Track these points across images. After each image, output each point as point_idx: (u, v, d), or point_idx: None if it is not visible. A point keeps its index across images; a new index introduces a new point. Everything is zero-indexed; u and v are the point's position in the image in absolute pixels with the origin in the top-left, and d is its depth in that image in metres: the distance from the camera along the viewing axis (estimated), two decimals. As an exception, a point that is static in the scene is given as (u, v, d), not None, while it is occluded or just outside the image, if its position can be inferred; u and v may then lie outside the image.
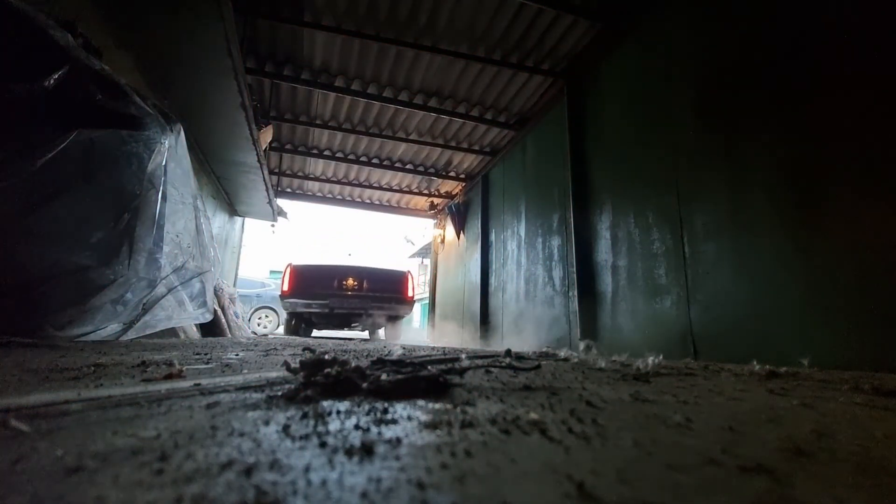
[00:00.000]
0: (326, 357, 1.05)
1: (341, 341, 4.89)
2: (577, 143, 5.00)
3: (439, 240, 10.56)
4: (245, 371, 1.37)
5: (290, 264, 6.73)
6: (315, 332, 8.44)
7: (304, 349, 1.59)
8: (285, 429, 0.64)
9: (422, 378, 0.97)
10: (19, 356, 1.62)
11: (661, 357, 1.86)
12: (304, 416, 0.73)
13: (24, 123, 1.98)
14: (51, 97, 2.03)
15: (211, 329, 4.91)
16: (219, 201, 7.78)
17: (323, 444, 0.57)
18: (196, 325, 4.40)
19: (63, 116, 2.08)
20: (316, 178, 9.14)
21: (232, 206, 8.76)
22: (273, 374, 1.14)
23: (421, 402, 0.87)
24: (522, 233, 6.32)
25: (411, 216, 11.09)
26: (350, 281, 6.74)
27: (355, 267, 7.05)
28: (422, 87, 5.97)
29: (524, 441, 0.63)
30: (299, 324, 7.27)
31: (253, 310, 10.70)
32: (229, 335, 5.38)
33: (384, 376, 0.96)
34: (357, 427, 0.66)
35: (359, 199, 10.24)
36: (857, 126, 2.31)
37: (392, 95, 6.12)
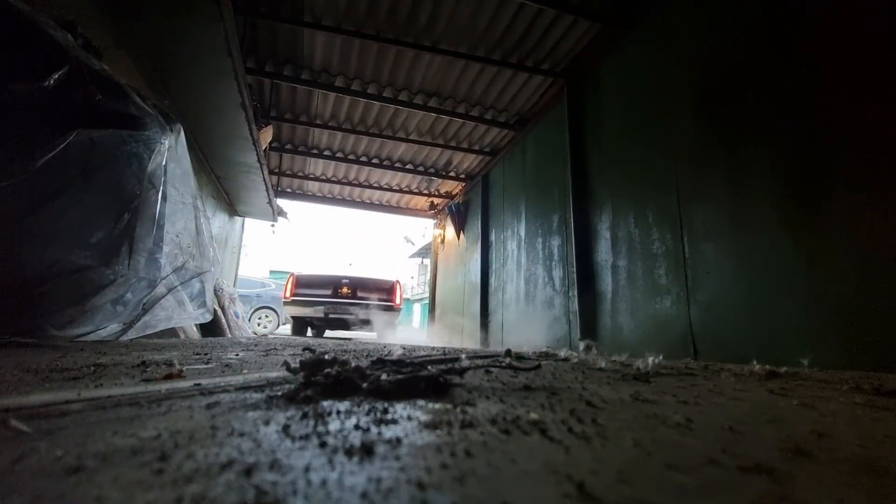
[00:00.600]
0: (326, 357, 1.05)
1: (341, 341, 4.92)
2: (577, 143, 5.00)
3: (439, 240, 10.56)
4: (245, 371, 1.37)
5: (292, 273, 7.68)
6: (328, 333, 9.12)
7: (304, 349, 1.59)
8: (285, 429, 0.64)
9: (422, 378, 0.97)
10: (19, 356, 1.62)
11: (661, 357, 1.86)
12: (304, 416, 0.73)
13: (24, 123, 1.98)
14: (51, 97, 2.03)
15: (211, 329, 4.92)
16: (219, 201, 7.78)
17: (323, 444, 0.57)
18: (196, 325, 4.40)
19: (63, 116, 2.08)
20: (316, 178, 9.14)
21: (232, 206, 8.76)
22: (273, 374, 1.14)
23: (421, 402, 0.87)
24: (522, 233, 6.32)
25: (411, 216, 11.09)
26: (345, 289, 7.61)
27: (349, 276, 7.90)
28: (422, 87, 5.97)
29: (524, 441, 0.63)
30: (303, 327, 8.12)
31: (253, 310, 10.70)
32: (229, 335, 5.38)
33: (384, 376, 0.96)
34: (357, 427, 0.66)
35: (359, 199, 10.24)
36: (859, 126, 2.31)
37: (392, 95, 6.11)
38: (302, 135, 7.61)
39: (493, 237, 7.50)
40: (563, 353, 2.47)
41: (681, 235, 3.39)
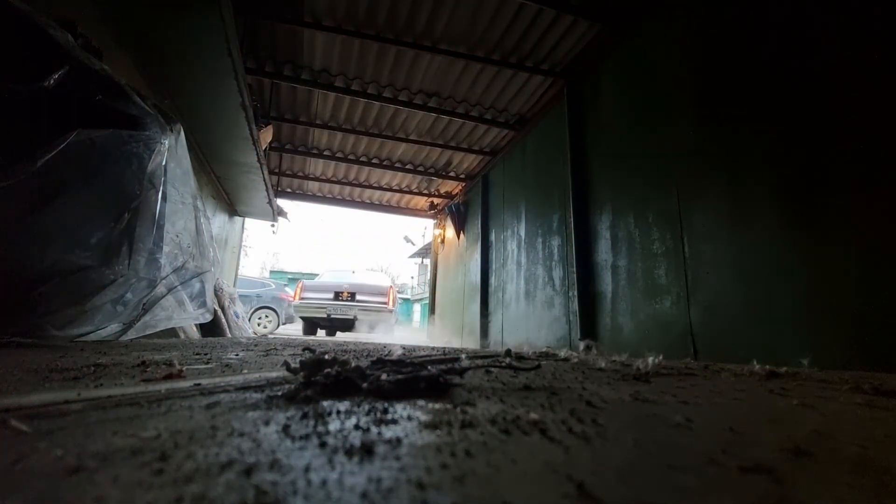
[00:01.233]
0: (326, 357, 1.05)
1: (341, 342, 4.93)
2: (577, 143, 5.00)
3: (439, 240, 10.57)
4: (245, 371, 1.37)
5: (301, 281, 9.41)
6: (322, 333, 10.04)
7: (304, 349, 1.59)
8: (285, 429, 0.64)
9: (422, 378, 0.97)
10: (19, 356, 1.62)
11: (661, 357, 1.85)
12: (304, 416, 0.73)
13: (24, 123, 1.98)
14: (51, 97, 2.03)
15: (211, 329, 4.91)
16: (219, 201, 7.78)
17: (323, 444, 0.57)
18: (196, 325, 4.40)
19: (63, 116, 2.08)
20: (316, 178, 9.14)
21: (232, 206, 8.76)
22: (273, 374, 1.14)
23: (421, 402, 0.87)
24: (522, 233, 6.32)
25: (411, 216, 11.10)
26: (345, 293, 8.92)
27: (349, 282, 9.32)
28: (422, 88, 5.97)
29: (524, 441, 0.63)
30: (312, 327, 9.50)
31: (253, 310, 10.70)
32: (229, 335, 5.38)
33: (384, 376, 0.96)
34: (357, 427, 0.66)
35: (359, 199, 10.24)
36: (858, 126, 2.31)
37: (392, 96, 6.11)
38: (302, 135, 7.61)
39: (493, 237, 7.50)
40: (563, 353, 2.47)
41: (681, 235, 3.39)
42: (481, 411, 0.81)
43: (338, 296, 8.77)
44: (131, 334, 2.77)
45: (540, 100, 5.98)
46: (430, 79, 5.78)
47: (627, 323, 3.93)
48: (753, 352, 2.30)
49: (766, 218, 2.74)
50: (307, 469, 0.47)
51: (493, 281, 7.31)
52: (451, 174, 8.70)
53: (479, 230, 7.83)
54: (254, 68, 5.52)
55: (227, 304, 5.76)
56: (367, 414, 0.76)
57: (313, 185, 9.61)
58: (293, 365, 1.03)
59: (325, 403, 0.83)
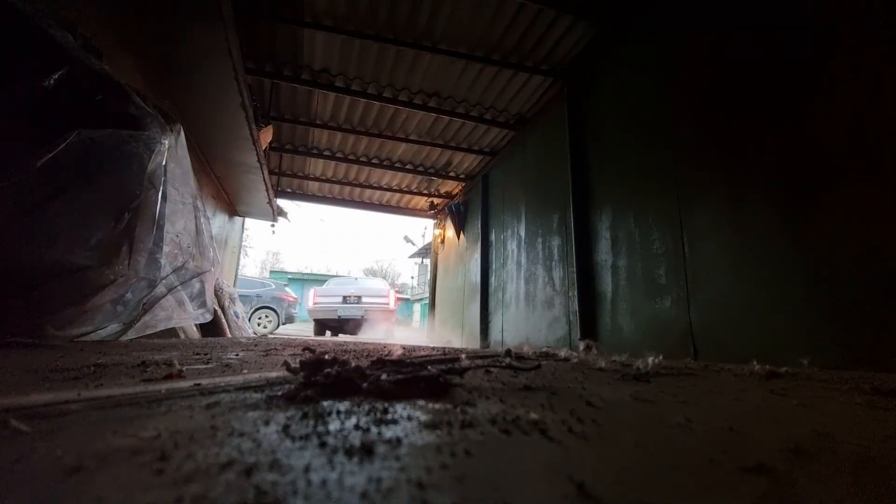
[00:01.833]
0: (326, 357, 1.05)
1: (341, 342, 4.93)
2: (576, 144, 5.00)
3: (439, 240, 10.57)
4: (245, 371, 1.37)
5: (314, 289, 11.07)
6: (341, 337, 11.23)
7: (304, 349, 1.59)
8: (285, 429, 0.64)
9: (422, 378, 0.97)
10: (19, 356, 1.62)
11: (661, 357, 1.86)
12: (304, 416, 0.73)
13: (24, 123, 1.98)
14: (51, 97, 2.03)
15: (211, 329, 4.91)
16: (219, 201, 7.78)
17: (323, 445, 0.57)
18: (196, 325, 4.40)
19: (63, 116, 2.08)
20: (316, 179, 9.14)
21: (232, 206, 8.76)
22: (273, 374, 1.14)
23: (421, 403, 0.87)
24: (522, 233, 6.32)
25: (411, 216, 11.10)
26: (352, 297, 10.61)
27: (355, 286, 11.21)
28: (421, 88, 5.97)
29: (524, 441, 0.63)
30: (323, 328, 11.01)
31: (253, 310, 10.71)
32: (229, 335, 5.38)
33: (384, 376, 0.96)
34: (357, 427, 0.66)
35: (359, 199, 10.23)
36: (858, 125, 2.31)
37: (392, 96, 6.11)
38: (302, 135, 7.60)
39: (493, 237, 7.50)
40: (563, 353, 2.47)
41: (681, 235, 3.39)
42: (481, 411, 0.81)
43: (346, 299, 10.51)
44: (131, 334, 2.77)
45: (540, 100, 5.98)
46: (430, 79, 5.78)
47: (627, 323, 3.93)
48: (753, 352, 2.30)
49: (766, 218, 2.74)
50: (307, 469, 0.47)
51: (493, 281, 7.31)
52: (451, 174, 8.69)
53: (479, 230, 7.83)
54: (254, 68, 5.52)
55: (227, 304, 5.76)
56: (367, 414, 0.76)
57: (313, 185, 9.61)
58: (293, 365, 1.03)
59: (325, 403, 0.83)
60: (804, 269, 2.49)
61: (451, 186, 9.38)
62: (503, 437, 0.65)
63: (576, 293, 4.61)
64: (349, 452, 0.54)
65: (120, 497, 0.39)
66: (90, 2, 3.25)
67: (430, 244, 12.71)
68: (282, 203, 9.69)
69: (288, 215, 10.01)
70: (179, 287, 3.06)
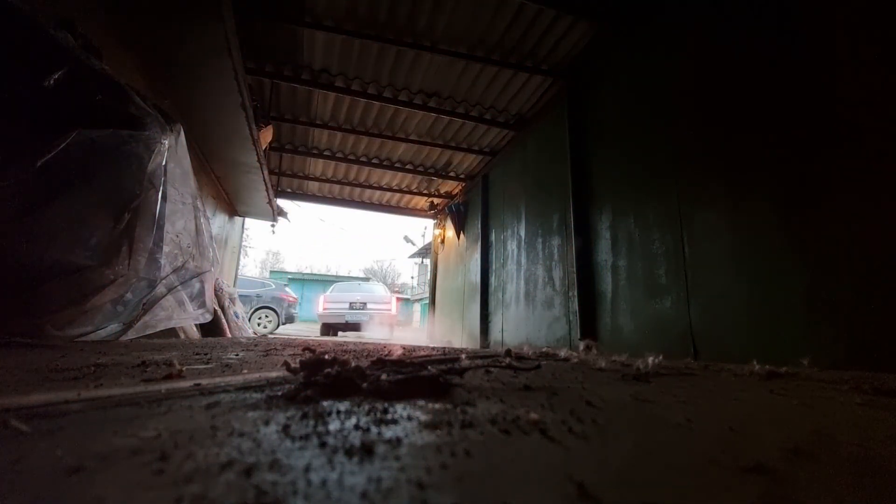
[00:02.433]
0: (326, 357, 1.05)
1: (341, 341, 4.93)
2: (577, 143, 5.00)
3: (439, 240, 10.57)
4: (245, 371, 1.37)
5: (324, 295, 12.30)
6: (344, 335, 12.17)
7: (304, 349, 1.59)
8: (285, 429, 0.64)
9: (422, 378, 0.97)
10: (19, 356, 1.62)
11: (661, 357, 1.85)
12: (304, 416, 0.73)
13: (24, 123, 1.98)
14: (51, 97, 2.03)
15: (211, 329, 4.91)
16: (219, 201, 7.78)
17: (323, 445, 0.57)
18: (196, 325, 4.40)
19: (63, 116, 2.08)
20: (316, 178, 9.14)
21: (232, 206, 8.76)
22: (273, 374, 1.14)
23: (421, 403, 0.87)
24: (522, 233, 6.32)
25: (411, 216, 11.11)
26: (358, 303, 11.94)
27: (360, 293, 12.55)
28: (422, 88, 5.97)
29: (524, 441, 0.63)
30: (329, 330, 12.11)
31: (253, 310, 10.71)
32: (229, 335, 5.38)
33: (384, 376, 0.96)
34: (357, 427, 0.66)
35: (359, 199, 10.23)
36: (858, 125, 2.31)
37: (392, 96, 6.11)
38: (302, 135, 7.60)
39: (493, 237, 7.50)
40: (563, 353, 2.47)
41: (681, 235, 3.39)
42: (481, 411, 0.81)
43: (352, 305, 11.89)
44: (131, 334, 2.77)
45: (540, 100, 5.98)
46: (430, 79, 5.78)
47: (627, 323, 3.93)
48: (753, 352, 2.30)
49: (765, 218, 2.74)
50: (307, 469, 0.47)
51: (493, 281, 7.31)
52: (451, 174, 8.69)
53: (479, 230, 7.83)
54: (254, 68, 5.51)
55: (227, 304, 5.76)
56: (367, 414, 0.76)
57: (313, 185, 9.61)
58: (293, 365, 1.03)
59: (325, 403, 0.83)
60: (804, 269, 2.49)
61: (451, 186, 9.37)
62: (503, 437, 0.65)
63: (576, 293, 4.61)
64: (349, 452, 0.54)
65: (120, 497, 0.39)
66: (90, 1, 3.25)
67: (430, 244, 12.76)
68: (282, 203, 9.69)
69: (288, 215, 10.01)
70: (179, 287, 3.06)
